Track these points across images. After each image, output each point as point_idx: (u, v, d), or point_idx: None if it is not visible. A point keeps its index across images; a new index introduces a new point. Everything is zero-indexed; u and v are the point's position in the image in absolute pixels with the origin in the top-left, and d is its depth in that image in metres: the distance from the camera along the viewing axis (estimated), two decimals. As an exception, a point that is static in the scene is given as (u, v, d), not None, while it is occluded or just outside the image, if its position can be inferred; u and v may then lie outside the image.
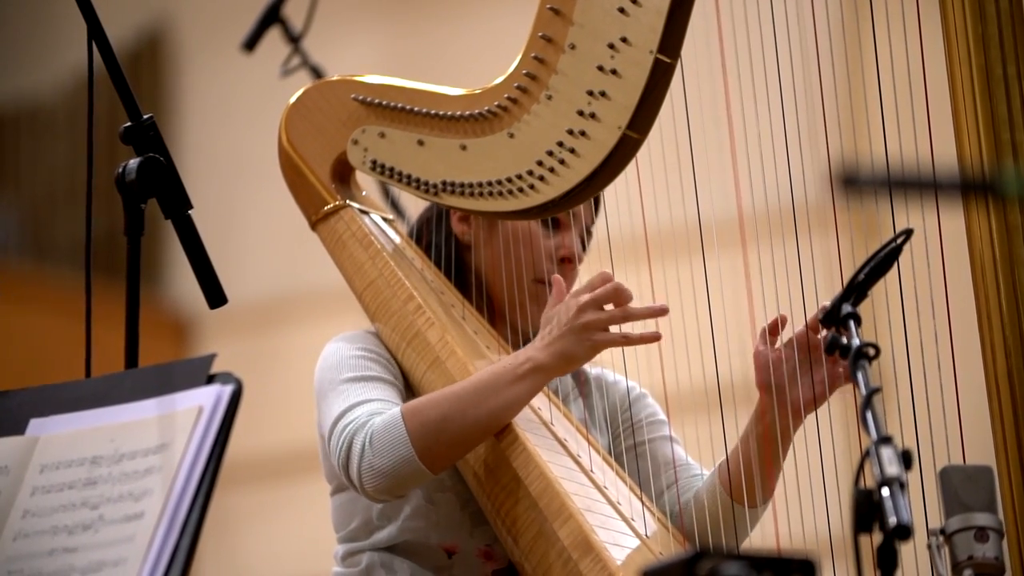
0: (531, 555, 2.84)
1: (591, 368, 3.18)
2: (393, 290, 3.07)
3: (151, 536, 2.15)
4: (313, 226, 3.19)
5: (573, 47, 2.93)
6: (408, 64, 7.49)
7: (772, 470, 2.94)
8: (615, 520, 2.88)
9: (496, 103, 3.00)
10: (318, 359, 3.02)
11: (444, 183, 3.05)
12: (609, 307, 2.86)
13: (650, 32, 2.86)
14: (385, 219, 3.23)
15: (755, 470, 2.92)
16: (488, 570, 2.95)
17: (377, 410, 2.89)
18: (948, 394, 2.70)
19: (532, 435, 2.92)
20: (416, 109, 3.08)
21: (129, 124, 2.63)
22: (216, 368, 2.25)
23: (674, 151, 2.91)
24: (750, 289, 2.90)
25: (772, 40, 2.89)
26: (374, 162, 3.12)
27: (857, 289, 2.57)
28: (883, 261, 2.60)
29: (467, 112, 3.03)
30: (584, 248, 3.14)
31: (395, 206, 3.98)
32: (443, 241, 3.15)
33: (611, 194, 3.13)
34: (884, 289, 2.65)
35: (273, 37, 4.56)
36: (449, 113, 3.05)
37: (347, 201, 3.17)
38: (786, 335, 2.92)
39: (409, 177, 3.08)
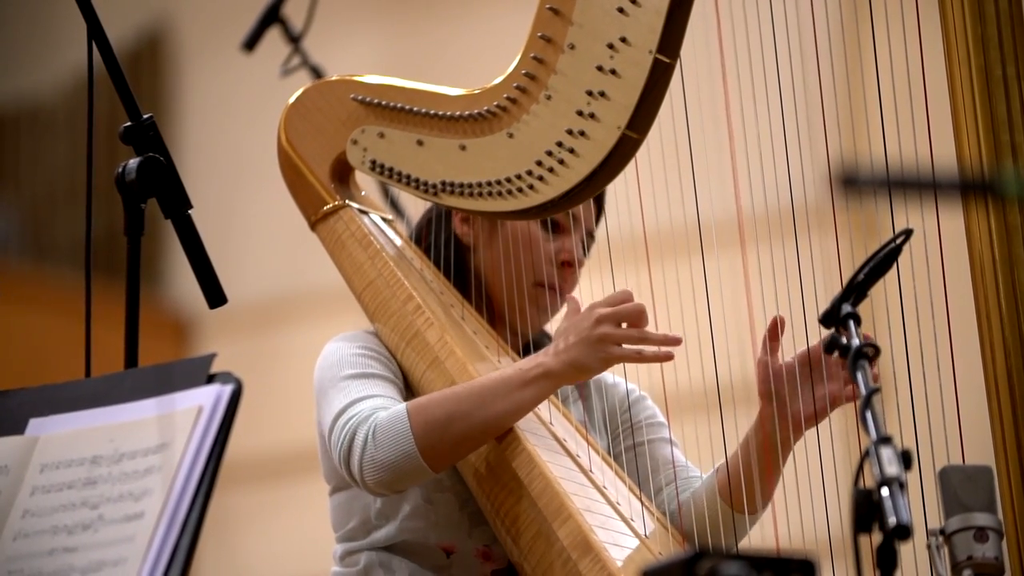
0: (530, 555, 2.84)
1: (591, 369, 3.18)
2: (392, 290, 3.07)
3: (151, 536, 2.15)
4: (312, 226, 3.19)
5: (572, 47, 2.93)
6: (408, 64, 7.49)
7: (771, 478, 2.94)
8: (614, 520, 2.88)
9: (495, 103, 3.00)
10: (318, 359, 3.02)
11: (443, 183, 3.05)
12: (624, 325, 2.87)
13: (649, 32, 2.86)
14: (384, 219, 3.23)
15: (755, 477, 2.92)
16: (487, 570, 2.95)
17: (381, 405, 2.90)
18: (948, 394, 2.70)
19: (532, 435, 2.92)
20: (415, 109, 3.08)
21: (129, 124, 2.63)
22: (216, 368, 2.25)
23: (673, 151, 2.91)
24: (749, 290, 2.90)
25: (772, 40, 2.89)
26: (373, 162, 3.12)
27: (857, 289, 2.57)
28: (883, 261, 2.60)
29: (466, 112, 3.03)
30: (585, 252, 3.14)
31: (394, 206, 3.97)
32: (444, 242, 3.16)
33: (610, 194, 3.13)
34: (884, 289, 2.65)
35: (273, 37, 4.56)
36: (448, 113, 3.05)
37: (346, 201, 3.17)
38: (786, 337, 2.92)
39: (408, 177, 3.08)
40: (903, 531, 2.15)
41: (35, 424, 2.33)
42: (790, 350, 2.93)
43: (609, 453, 3.08)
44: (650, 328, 2.87)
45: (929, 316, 2.72)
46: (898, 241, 2.62)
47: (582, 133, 2.93)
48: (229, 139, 8.12)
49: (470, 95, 3.04)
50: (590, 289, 3.09)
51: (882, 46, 2.87)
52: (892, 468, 2.20)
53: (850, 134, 5.69)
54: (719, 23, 2.89)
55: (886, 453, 2.22)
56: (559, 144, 2.95)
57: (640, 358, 2.85)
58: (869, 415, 2.28)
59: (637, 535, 2.88)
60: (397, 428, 2.85)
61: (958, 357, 2.72)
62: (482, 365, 2.97)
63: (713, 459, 3.02)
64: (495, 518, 2.89)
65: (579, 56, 2.92)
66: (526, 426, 2.93)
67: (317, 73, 4.46)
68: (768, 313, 2.92)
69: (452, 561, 2.96)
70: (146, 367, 2.38)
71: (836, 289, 2.58)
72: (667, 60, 2.87)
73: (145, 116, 2.64)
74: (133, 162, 2.62)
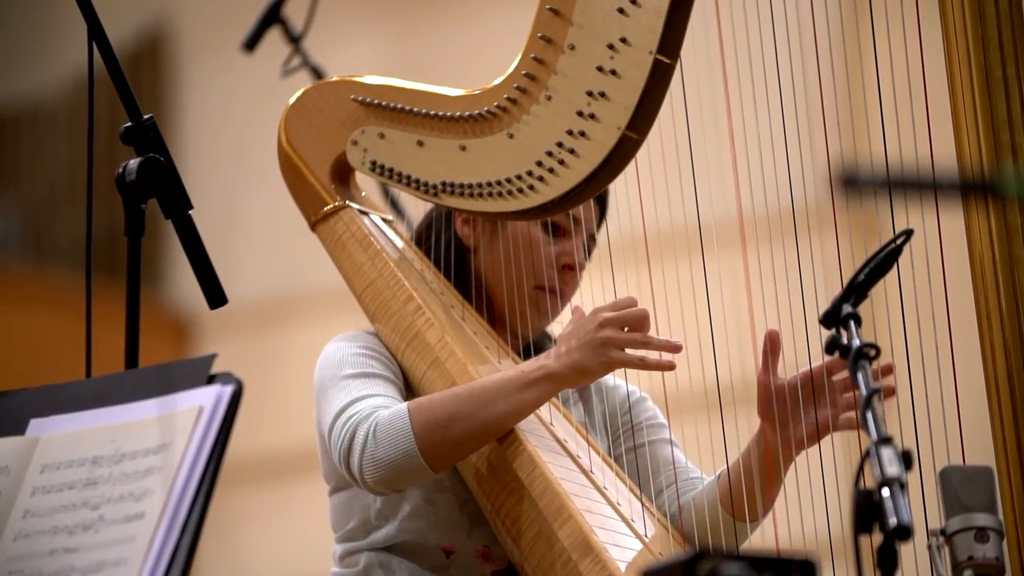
0: (531, 555, 2.84)
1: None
2: (393, 291, 3.07)
3: (151, 536, 2.15)
4: (313, 227, 3.19)
5: (572, 48, 2.93)
6: (408, 64, 7.49)
7: (772, 488, 2.94)
8: (615, 521, 2.88)
9: (496, 104, 3.00)
10: (318, 359, 3.02)
11: (443, 184, 3.05)
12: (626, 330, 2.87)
13: (649, 33, 2.87)
14: (385, 220, 3.23)
15: (756, 488, 2.93)
16: (487, 571, 2.95)
17: (382, 404, 2.90)
18: (948, 394, 2.70)
19: (532, 436, 2.92)
20: (416, 110, 3.08)
21: (129, 124, 2.63)
22: (216, 368, 2.25)
23: (674, 152, 2.91)
24: (750, 290, 2.90)
25: (772, 41, 2.89)
26: (373, 163, 3.12)
27: (857, 290, 2.57)
28: (883, 262, 2.60)
29: (467, 113, 3.03)
30: (587, 255, 3.14)
31: (395, 206, 3.97)
32: (445, 243, 3.16)
33: (611, 195, 3.13)
34: (884, 290, 2.65)
35: (273, 37, 4.56)
36: (449, 114, 3.05)
37: (346, 202, 3.18)
38: (786, 337, 2.92)
39: (408, 178, 3.09)
40: (904, 531, 2.15)
41: (36, 424, 2.33)
42: (790, 351, 2.93)
43: (610, 454, 3.08)
44: (651, 331, 2.87)
45: (929, 316, 2.73)
46: (898, 241, 2.62)
47: (582, 134, 2.93)
48: (229, 139, 8.12)
49: (470, 96, 3.04)
50: (590, 290, 3.09)
51: (882, 46, 2.87)
52: (893, 468, 2.20)
53: (850, 134, 5.69)
54: (719, 23, 2.89)
55: (887, 453, 2.22)
56: (559, 145, 2.95)
57: (643, 365, 2.85)
58: (869, 415, 2.28)
59: (638, 536, 2.88)
60: (398, 427, 2.85)
61: (958, 357, 2.72)
62: (482, 366, 2.97)
63: (714, 459, 3.02)
64: (495, 519, 2.89)
65: (579, 56, 2.92)
66: (527, 427, 2.93)
67: (317, 73, 4.46)
68: (768, 313, 2.92)
69: (452, 561, 2.96)
70: (147, 367, 2.38)
71: (836, 289, 2.58)
72: (667, 61, 2.87)
73: (145, 116, 2.64)
74: (133, 162, 2.62)
